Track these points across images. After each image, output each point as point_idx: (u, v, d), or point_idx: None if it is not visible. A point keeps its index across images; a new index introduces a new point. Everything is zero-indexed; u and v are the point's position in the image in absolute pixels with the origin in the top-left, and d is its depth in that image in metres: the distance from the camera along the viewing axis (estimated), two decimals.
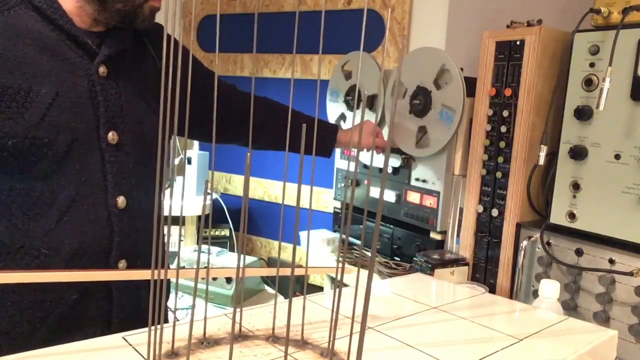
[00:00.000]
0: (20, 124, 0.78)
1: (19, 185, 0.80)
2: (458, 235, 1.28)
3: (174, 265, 1.74)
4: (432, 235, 1.34)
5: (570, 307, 1.02)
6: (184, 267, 1.86)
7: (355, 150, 1.05)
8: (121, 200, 0.87)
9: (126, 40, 0.90)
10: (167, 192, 0.61)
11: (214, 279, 1.79)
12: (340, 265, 0.54)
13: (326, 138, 1.25)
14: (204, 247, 1.65)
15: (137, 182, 0.90)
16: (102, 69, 0.85)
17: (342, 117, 1.61)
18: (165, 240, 0.55)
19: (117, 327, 0.87)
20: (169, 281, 0.88)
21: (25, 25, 0.81)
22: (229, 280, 1.80)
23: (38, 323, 0.83)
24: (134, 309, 0.91)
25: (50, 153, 0.80)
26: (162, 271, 0.51)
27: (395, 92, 0.42)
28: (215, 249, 2.03)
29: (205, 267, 0.64)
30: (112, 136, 0.85)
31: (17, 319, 0.82)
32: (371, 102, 1.47)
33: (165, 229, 0.55)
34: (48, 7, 0.82)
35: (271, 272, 0.68)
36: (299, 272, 0.66)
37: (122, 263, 0.88)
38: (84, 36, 0.84)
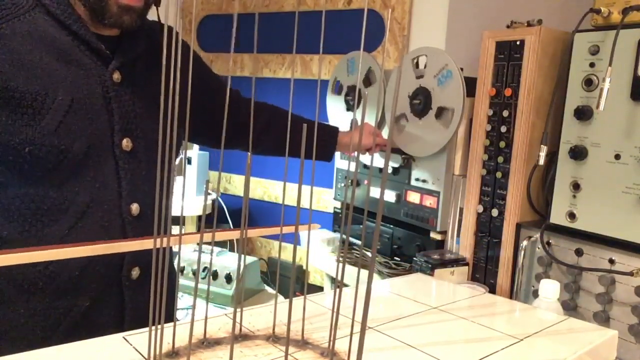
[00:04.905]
0: (37, 131, 0.76)
1: (33, 191, 0.79)
2: (458, 235, 1.28)
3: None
4: (432, 235, 1.34)
5: (570, 307, 1.02)
6: (183, 268, 1.86)
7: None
8: (135, 207, 0.86)
9: (139, 46, 0.88)
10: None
11: (214, 278, 1.80)
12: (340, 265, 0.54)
13: (327, 142, 1.24)
14: (205, 247, 1.65)
15: (150, 189, 0.88)
16: (116, 75, 0.84)
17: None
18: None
19: None
20: (174, 281, 0.87)
21: (41, 30, 0.79)
22: (229, 280, 1.80)
23: (50, 330, 0.82)
24: (146, 315, 0.91)
25: (66, 160, 0.79)
26: (165, 239, 0.52)
27: (395, 91, 0.42)
28: (215, 249, 2.03)
29: (210, 230, 0.62)
30: (126, 143, 0.84)
31: (29, 326, 0.81)
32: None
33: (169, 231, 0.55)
34: (62, 12, 0.80)
35: (276, 230, 0.66)
36: (302, 228, 0.64)
37: (136, 271, 0.87)
38: (98, 42, 0.83)
